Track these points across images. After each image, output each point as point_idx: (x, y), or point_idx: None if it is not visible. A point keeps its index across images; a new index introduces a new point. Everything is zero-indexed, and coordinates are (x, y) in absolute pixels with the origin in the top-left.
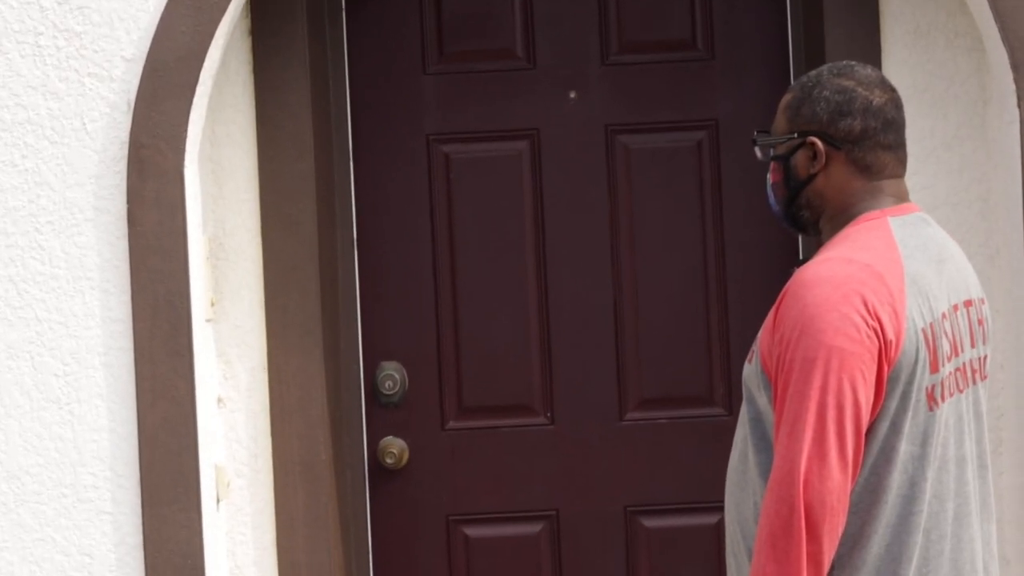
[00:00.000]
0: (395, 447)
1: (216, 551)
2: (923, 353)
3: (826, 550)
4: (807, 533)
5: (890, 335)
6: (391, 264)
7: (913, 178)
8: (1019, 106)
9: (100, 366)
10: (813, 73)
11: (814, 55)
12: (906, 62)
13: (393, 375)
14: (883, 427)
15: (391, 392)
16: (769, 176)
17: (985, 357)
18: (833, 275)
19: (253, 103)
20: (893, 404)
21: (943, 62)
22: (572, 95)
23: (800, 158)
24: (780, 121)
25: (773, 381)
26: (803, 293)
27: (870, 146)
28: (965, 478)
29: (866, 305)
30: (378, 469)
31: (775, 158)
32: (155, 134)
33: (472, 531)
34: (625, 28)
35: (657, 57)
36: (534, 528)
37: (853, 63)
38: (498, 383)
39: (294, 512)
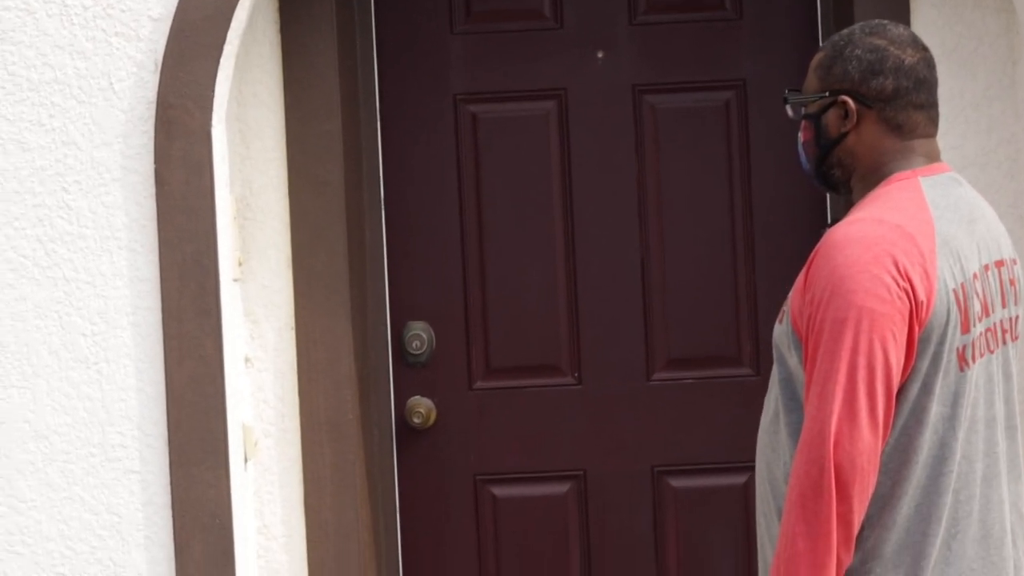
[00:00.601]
0: (422, 407)
1: (244, 510)
2: (954, 314)
3: (856, 510)
4: (837, 493)
5: (921, 296)
6: (418, 223)
7: (942, 139)
8: None
9: (128, 325)
10: (845, 32)
11: (843, 15)
12: (935, 22)
13: (420, 335)
14: (914, 388)
15: (418, 352)
16: (800, 135)
17: (1016, 318)
18: (864, 236)
19: (280, 63)
20: (924, 365)
21: (972, 22)
22: (600, 55)
23: (831, 117)
24: (811, 80)
25: (804, 342)
26: (834, 254)
27: (902, 105)
28: (994, 439)
29: (897, 266)
30: (405, 429)
31: (806, 117)
32: (182, 94)
33: (499, 491)
34: None
35: (685, 17)
36: (562, 488)
37: (885, 22)
38: (526, 343)
39: (322, 471)
